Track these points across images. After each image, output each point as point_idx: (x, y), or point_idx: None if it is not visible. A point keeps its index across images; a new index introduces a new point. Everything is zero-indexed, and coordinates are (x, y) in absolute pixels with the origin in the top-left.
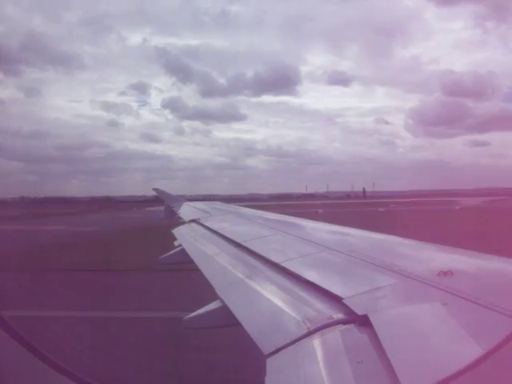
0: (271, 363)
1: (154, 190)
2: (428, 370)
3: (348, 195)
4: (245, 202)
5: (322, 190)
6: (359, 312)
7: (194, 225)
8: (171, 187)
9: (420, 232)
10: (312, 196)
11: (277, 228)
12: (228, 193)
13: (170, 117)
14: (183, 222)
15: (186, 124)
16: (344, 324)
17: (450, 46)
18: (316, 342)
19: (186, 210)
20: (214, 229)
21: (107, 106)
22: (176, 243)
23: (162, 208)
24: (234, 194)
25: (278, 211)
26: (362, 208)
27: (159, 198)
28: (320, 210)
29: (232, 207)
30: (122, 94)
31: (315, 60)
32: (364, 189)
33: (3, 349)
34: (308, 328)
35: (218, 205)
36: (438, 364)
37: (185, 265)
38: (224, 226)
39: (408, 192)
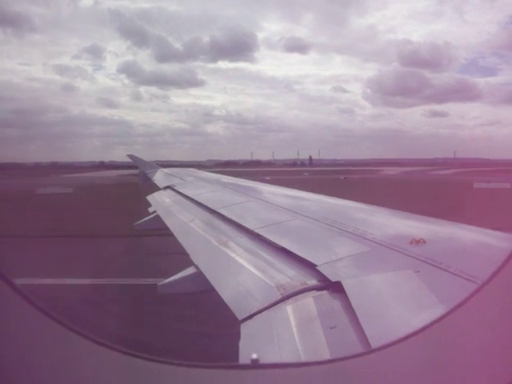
0: (245, 328)
1: (129, 156)
2: (399, 337)
3: (294, 162)
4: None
5: (278, 157)
6: (332, 278)
7: (168, 191)
8: (130, 153)
9: None
10: (257, 163)
11: (251, 195)
12: (188, 159)
13: (126, 81)
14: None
15: (143, 89)
16: (317, 290)
17: (407, 16)
18: (289, 308)
19: (160, 177)
20: (189, 195)
21: (61, 70)
22: (151, 210)
23: (88, 175)
24: (195, 160)
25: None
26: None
27: (104, 165)
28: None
29: (207, 174)
30: (76, 57)
31: (271, 26)
32: (310, 156)
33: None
34: (282, 294)
35: (192, 171)
36: (408, 331)
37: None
38: (199, 193)
39: (359, 160)
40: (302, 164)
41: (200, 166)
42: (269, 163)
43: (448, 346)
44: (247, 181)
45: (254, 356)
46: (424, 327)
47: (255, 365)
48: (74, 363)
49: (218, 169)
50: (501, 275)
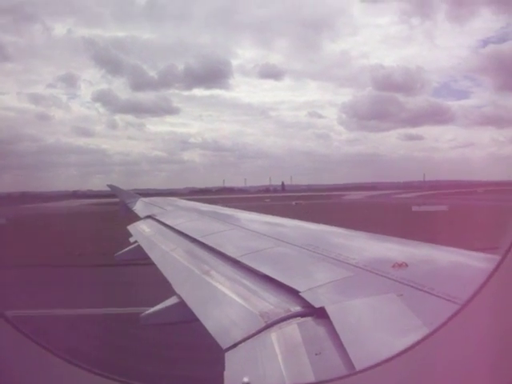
0: (230, 358)
1: (109, 186)
2: (382, 358)
3: (267, 189)
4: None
5: (255, 183)
6: (316, 305)
7: (149, 221)
8: (107, 182)
9: None
10: (230, 190)
11: (232, 223)
12: (165, 187)
13: (101, 110)
14: None
15: (118, 117)
16: (301, 317)
17: (378, 42)
18: (274, 336)
19: (140, 206)
20: (170, 224)
21: (35, 99)
22: (132, 239)
23: (52, 205)
24: (172, 188)
25: None
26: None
27: (77, 194)
28: None
29: (187, 203)
30: (50, 86)
31: (245, 53)
32: (283, 182)
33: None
34: (265, 322)
35: (172, 200)
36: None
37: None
38: (179, 222)
39: (335, 185)
40: (275, 190)
41: (175, 193)
42: (241, 190)
43: (430, 367)
44: (226, 208)
45: (246, 380)
46: (406, 349)
47: None
48: None
49: (190, 196)
50: (480, 296)
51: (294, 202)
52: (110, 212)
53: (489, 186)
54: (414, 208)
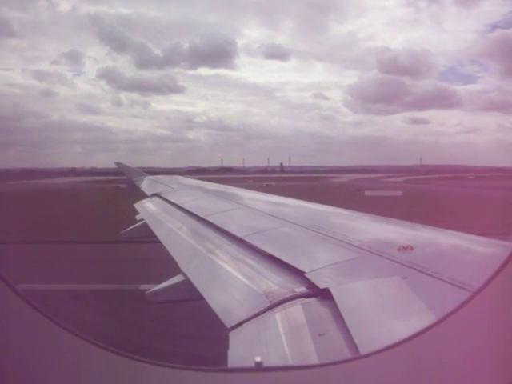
0: (234, 336)
1: (116, 163)
2: (388, 343)
3: (265, 169)
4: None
5: (259, 164)
6: (321, 286)
7: (156, 199)
8: (111, 160)
9: None
10: (229, 170)
11: (238, 202)
12: (171, 166)
13: (106, 87)
14: None
15: (123, 95)
16: (306, 297)
17: (385, 24)
18: (278, 316)
19: (147, 184)
20: (177, 203)
21: (40, 75)
22: (138, 217)
23: (38, 182)
24: (175, 167)
25: None
26: None
27: (75, 171)
28: None
29: (194, 181)
30: (55, 63)
31: (251, 33)
32: (281, 163)
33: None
34: (270, 302)
35: (180, 179)
36: (397, 337)
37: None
38: (186, 201)
39: (338, 167)
40: (273, 171)
41: (176, 172)
42: (241, 170)
43: (437, 354)
44: (232, 187)
45: (258, 359)
46: (412, 335)
47: (259, 368)
48: (73, 365)
49: (188, 175)
50: (493, 284)
51: (264, 184)
52: (89, 189)
53: (487, 172)
54: (367, 193)
